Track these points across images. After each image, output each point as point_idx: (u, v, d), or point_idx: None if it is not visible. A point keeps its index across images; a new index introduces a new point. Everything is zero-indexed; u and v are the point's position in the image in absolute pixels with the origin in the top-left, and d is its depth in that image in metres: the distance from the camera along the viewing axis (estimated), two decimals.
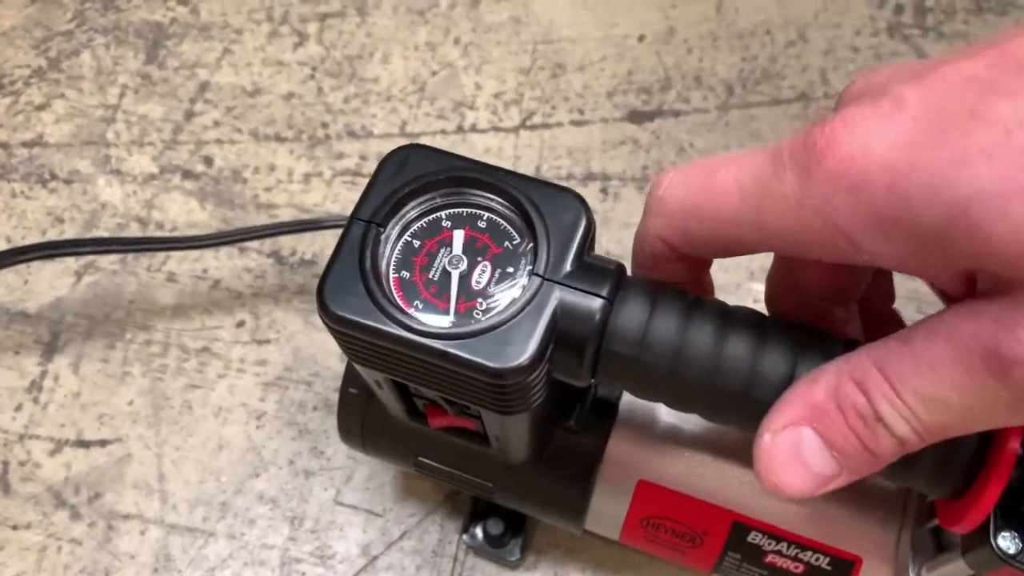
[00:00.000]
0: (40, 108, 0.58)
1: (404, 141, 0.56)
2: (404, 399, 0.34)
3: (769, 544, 0.36)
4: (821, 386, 0.25)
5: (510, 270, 0.29)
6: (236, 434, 0.48)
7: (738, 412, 0.28)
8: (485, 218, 0.30)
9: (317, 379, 0.49)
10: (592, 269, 0.29)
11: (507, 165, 0.55)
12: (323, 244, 0.53)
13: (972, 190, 0.20)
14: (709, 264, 0.30)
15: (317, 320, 0.51)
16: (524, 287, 0.29)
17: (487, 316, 0.29)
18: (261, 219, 0.53)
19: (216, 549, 0.46)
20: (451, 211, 0.31)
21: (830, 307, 0.30)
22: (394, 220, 0.30)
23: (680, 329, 0.28)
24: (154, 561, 0.46)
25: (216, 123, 0.56)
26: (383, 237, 0.30)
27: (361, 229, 0.29)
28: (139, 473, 0.48)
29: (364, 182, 0.55)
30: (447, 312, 0.29)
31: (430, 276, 0.30)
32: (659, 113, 0.56)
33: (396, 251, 0.30)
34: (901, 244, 0.22)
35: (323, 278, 0.29)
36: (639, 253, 0.29)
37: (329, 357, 0.50)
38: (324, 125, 0.56)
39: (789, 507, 0.35)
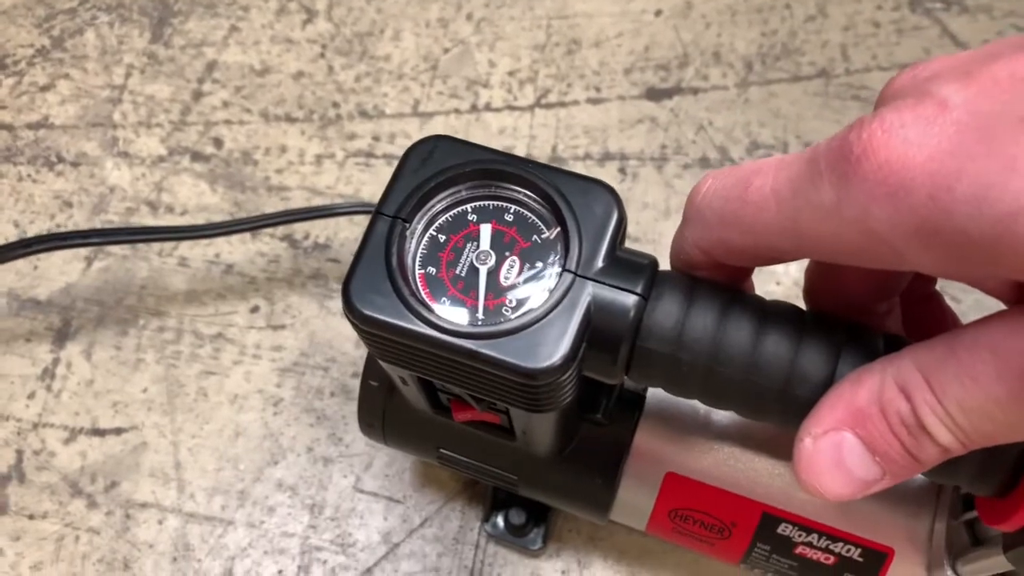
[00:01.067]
0: (45, 89, 0.56)
1: (416, 121, 0.55)
2: (428, 394, 0.34)
3: (799, 536, 0.35)
4: (864, 390, 0.25)
5: (539, 265, 0.29)
6: (253, 421, 0.48)
7: (776, 411, 0.28)
8: (512, 211, 0.30)
9: (334, 364, 0.49)
10: (625, 264, 0.28)
11: (522, 145, 0.54)
12: (337, 228, 0.52)
13: (1021, 203, 0.19)
14: (750, 271, 0.29)
15: (332, 304, 0.50)
16: (555, 283, 0.28)
17: (517, 313, 0.28)
18: (272, 202, 0.53)
19: (235, 538, 0.45)
20: (477, 204, 0.30)
21: (872, 302, 0.30)
22: (419, 215, 0.29)
23: (717, 326, 0.27)
24: (173, 550, 0.45)
25: (225, 103, 0.55)
26: (408, 232, 0.29)
27: (386, 225, 0.28)
28: (155, 461, 0.47)
29: (377, 163, 0.54)
30: (475, 309, 0.28)
31: (457, 272, 0.29)
32: (677, 90, 0.54)
33: (422, 246, 0.29)
34: (944, 255, 0.21)
35: (348, 276, 0.28)
36: (676, 261, 0.28)
37: (345, 342, 0.49)
38: (335, 105, 0.55)
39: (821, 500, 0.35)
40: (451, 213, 0.30)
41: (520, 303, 0.28)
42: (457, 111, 0.55)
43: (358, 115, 0.55)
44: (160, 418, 0.48)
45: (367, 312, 0.27)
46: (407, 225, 0.29)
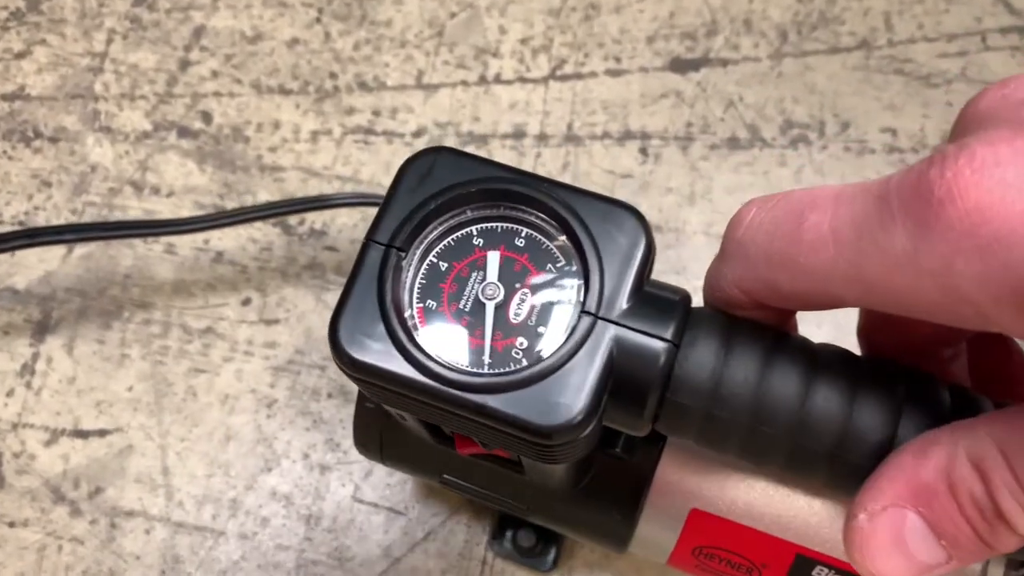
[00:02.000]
0: (20, 56, 0.52)
1: (420, 94, 0.51)
2: (430, 427, 0.30)
3: None
4: (931, 463, 0.21)
5: (554, 300, 0.25)
6: (245, 424, 0.45)
7: (823, 475, 0.24)
8: (524, 235, 0.26)
9: (331, 363, 0.45)
10: (653, 303, 0.24)
11: (535, 122, 0.50)
12: (334, 213, 0.48)
13: None
14: (795, 313, 0.26)
15: (330, 298, 0.46)
16: (573, 324, 0.24)
17: (529, 358, 0.24)
18: (265, 183, 0.49)
19: (227, 550, 0.43)
20: (483, 227, 0.26)
21: (937, 347, 0.26)
22: (417, 241, 0.25)
23: (759, 378, 0.24)
24: (161, 562, 0.43)
25: (214, 73, 0.51)
26: (404, 263, 0.25)
27: (379, 255, 0.25)
28: (142, 466, 0.44)
29: (377, 141, 0.50)
30: (481, 351, 0.25)
31: (460, 306, 0.25)
32: (705, 62, 0.50)
33: (420, 275, 0.25)
34: None
35: (336, 315, 0.24)
36: (712, 298, 0.25)
37: None
38: (332, 76, 0.51)
39: None
40: (453, 237, 0.26)
41: (531, 345, 0.25)
42: (464, 83, 0.51)
43: (357, 87, 0.51)
44: (147, 419, 0.45)
45: (357, 357, 0.24)
46: (403, 255, 0.25)
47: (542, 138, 0.49)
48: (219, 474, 0.44)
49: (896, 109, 0.49)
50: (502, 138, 0.49)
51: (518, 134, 0.49)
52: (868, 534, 0.22)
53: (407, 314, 0.25)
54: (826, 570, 0.32)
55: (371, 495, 0.43)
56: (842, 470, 0.24)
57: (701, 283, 0.46)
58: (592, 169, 0.48)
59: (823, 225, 0.21)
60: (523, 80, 0.50)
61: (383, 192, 0.48)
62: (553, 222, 0.25)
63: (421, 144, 0.49)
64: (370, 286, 0.24)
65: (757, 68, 0.50)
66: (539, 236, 0.26)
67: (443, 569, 0.42)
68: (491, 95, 0.50)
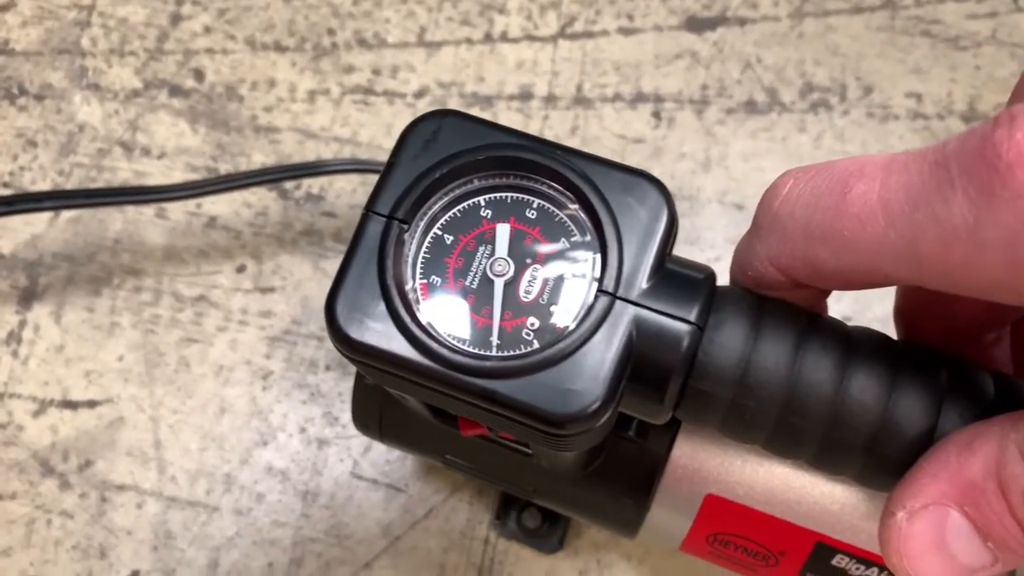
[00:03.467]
0: (3, 9, 0.50)
1: (422, 52, 0.48)
2: (433, 408, 0.29)
3: (857, 569, 0.31)
4: (978, 459, 0.20)
5: (568, 276, 0.23)
6: (239, 396, 0.43)
7: (856, 468, 0.23)
8: (535, 206, 0.24)
9: None
10: (676, 281, 0.22)
11: (543, 83, 0.47)
12: (331, 177, 0.46)
13: None
14: (829, 293, 0.24)
15: (328, 266, 0.45)
16: (589, 304, 0.22)
17: (540, 339, 0.23)
18: (260, 145, 0.47)
19: (221, 526, 0.41)
20: (492, 197, 0.24)
21: (981, 331, 0.24)
22: (420, 213, 0.23)
23: (791, 364, 0.22)
24: (153, 538, 0.41)
25: (207, 29, 0.49)
26: (407, 236, 0.23)
27: (379, 227, 0.23)
28: (133, 439, 0.43)
29: (377, 102, 0.48)
30: (489, 331, 0.23)
31: (467, 283, 0.23)
32: (722, 21, 0.47)
33: (423, 249, 0.24)
34: None
35: (333, 292, 0.23)
36: (742, 276, 0.23)
37: None
38: (330, 32, 0.49)
39: None
40: (459, 208, 0.24)
41: (543, 326, 0.23)
42: (469, 41, 0.48)
43: (356, 44, 0.48)
44: (138, 390, 0.43)
45: (356, 337, 0.22)
46: (405, 227, 0.23)
47: (550, 100, 0.47)
48: (213, 448, 0.42)
49: (922, 73, 0.46)
50: (508, 99, 0.47)
51: (525, 95, 0.47)
52: (907, 534, 0.20)
53: (409, 291, 0.23)
54: (847, 559, 0.30)
55: (370, 471, 0.42)
56: (877, 464, 0.22)
57: (715, 254, 0.44)
58: (602, 133, 0.46)
59: (871, 195, 0.19)
60: (531, 38, 0.48)
61: (382, 158, 0.46)
62: (568, 193, 0.23)
63: (423, 105, 0.47)
64: (370, 261, 0.23)
65: (776, 28, 0.47)
66: (552, 208, 0.24)
67: (444, 548, 0.41)
68: (497, 54, 0.48)
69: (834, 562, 0.31)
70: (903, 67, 0.46)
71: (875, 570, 0.30)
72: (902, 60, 0.47)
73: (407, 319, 0.22)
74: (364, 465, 0.42)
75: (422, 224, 0.24)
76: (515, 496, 0.39)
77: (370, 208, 0.23)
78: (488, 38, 0.48)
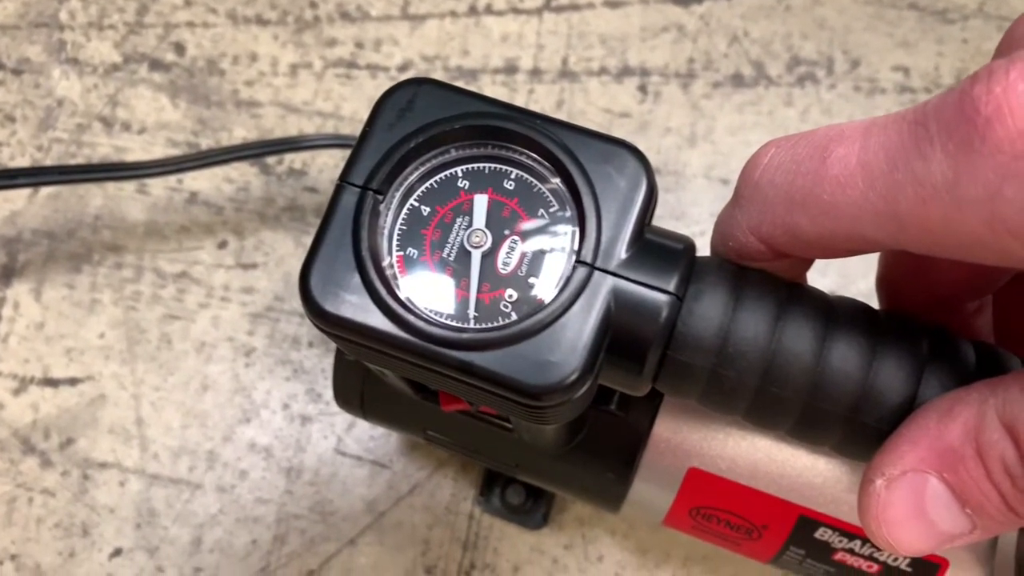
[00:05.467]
0: None
1: (406, 25, 0.48)
2: (413, 383, 0.28)
3: (840, 541, 0.31)
4: (957, 425, 0.19)
5: (547, 249, 0.23)
6: (222, 373, 0.43)
7: (836, 438, 0.22)
8: (513, 176, 0.24)
9: None
10: (655, 252, 0.22)
11: (528, 56, 0.47)
12: (314, 152, 0.45)
13: None
14: (811, 264, 0.24)
15: (310, 241, 0.44)
16: (566, 275, 0.22)
17: (519, 311, 0.22)
18: (242, 119, 0.46)
19: (204, 503, 0.41)
20: (469, 168, 0.24)
21: (963, 298, 0.24)
22: (396, 184, 0.23)
23: (771, 334, 0.22)
24: (136, 516, 0.41)
25: (187, 2, 0.48)
26: (382, 208, 0.23)
27: (354, 198, 0.22)
28: (115, 416, 0.42)
29: (360, 75, 0.47)
30: (466, 303, 0.23)
31: (444, 255, 0.23)
32: None
33: (400, 221, 0.23)
34: None
35: (307, 265, 0.22)
36: (723, 247, 0.22)
37: None
38: (312, 5, 0.48)
39: None
40: (436, 178, 0.24)
41: (521, 298, 0.23)
42: (453, 14, 0.48)
43: (339, 17, 0.48)
44: (119, 367, 0.43)
45: (331, 310, 0.22)
46: (380, 198, 0.23)
47: (535, 74, 0.46)
48: (195, 425, 0.42)
49: (909, 46, 0.46)
50: (493, 73, 0.46)
51: (510, 69, 0.46)
52: (886, 501, 0.20)
53: (385, 264, 0.23)
54: (830, 531, 0.30)
55: (354, 448, 0.41)
56: (857, 433, 0.22)
57: (700, 229, 0.44)
58: (588, 107, 0.46)
59: (850, 158, 0.18)
60: (516, 11, 0.47)
61: None
62: (546, 163, 0.23)
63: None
64: (344, 233, 0.22)
65: (763, 1, 0.47)
66: (530, 178, 0.23)
67: (429, 524, 0.41)
68: (481, 27, 0.47)
69: (817, 535, 0.31)
70: (890, 40, 0.46)
71: (858, 542, 0.30)
72: (889, 33, 0.46)
73: (383, 291, 0.22)
74: (348, 442, 0.42)
75: (398, 195, 0.23)
76: (499, 472, 0.39)
77: (344, 179, 0.23)
78: (473, 11, 0.47)
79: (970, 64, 0.46)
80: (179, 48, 0.47)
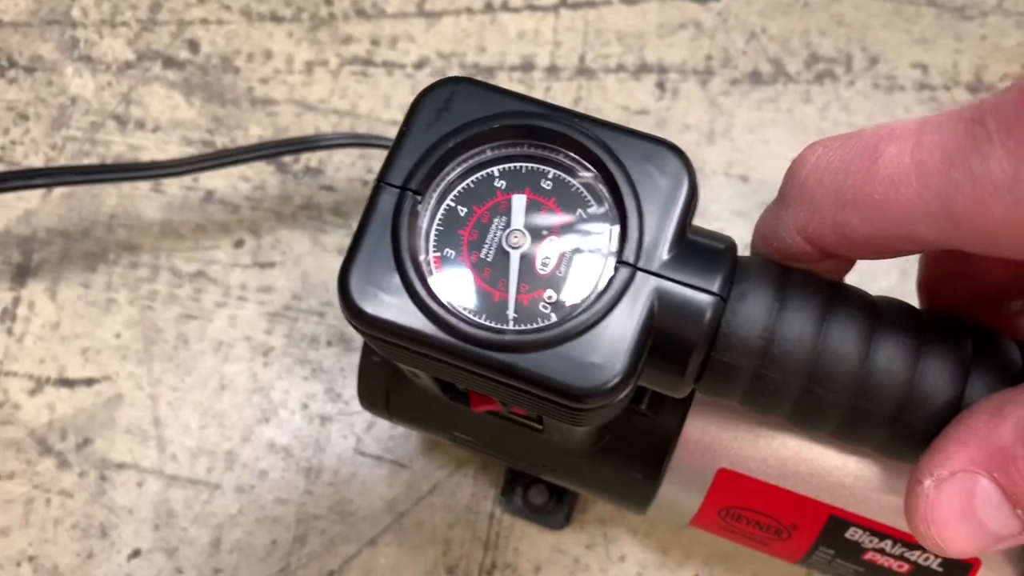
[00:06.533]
0: None
1: (422, 22, 0.48)
2: (443, 384, 0.28)
3: (871, 541, 0.30)
4: (1008, 425, 0.19)
5: (585, 248, 0.23)
6: (240, 373, 0.42)
7: (880, 439, 0.22)
8: (551, 176, 0.23)
9: (330, 309, 0.43)
10: (697, 252, 0.22)
11: (545, 53, 0.47)
12: (329, 151, 0.45)
13: None
14: (853, 264, 0.23)
15: (327, 240, 0.44)
16: (608, 276, 0.22)
17: (558, 312, 0.22)
18: (257, 117, 0.46)
19: (223, 504, 0.41)
20: (506, 167, 0.23)
21: (1007, 297, 0.24)
22: (434, 184, 0.23)
23: (816, 334, 0.21)
24: (154, 516, 0.41)
25: None
26: (420, 207, 0.23)
27: (393, 198, 0.22)
28: (132, 417, 0.42)
29: (376, 73, 0.47)
30: (505, 305, 0.22)
31: (482, 256, 0.23)
32: None
33: (436, 221, 0.23)
34: None
35: (346, 265, 0.22)
36: (766, 248, 0.22)
37: None
38: (327, 2, 0.48)
39: (898, 502, 0.30)
40: (473, 178, 0.23)
41: (561, 299, 0.22)
42: (469, 10, 0.47)
43: (354, 14, 0.47)
44: (136, 367, 0.43)
45: (371, 312, 0.22)
46: (419, 198, 0.22)
47: (552, 71, 0.46)
48: (213, 425, 0.42)
49: (927, 43, 0.46)
50: (510, 70, 0.46)
51: (526, 66, 0.46)
52: (934, 502, 0.20)
53: (423, 264, 0.22)
54: (860, 531, 0.30)
55: (374, 447, 0.41)
56: (902, 434, 0.22)
57: (720, 226, 0.44)
58: (605, 104, 0.45)
59: (903, 157, 0.18)
60: (532, 8, 0.47)
61: (381, 131, 0.45)
62: (586, 162, 0.23)
63: (423, 76, 0.46)
64: (383, 233, 0.22)
65: None
66: (568, 177, 0.23)
67: (449, 523, 0.40)
68: (498, 24, 0.47)
69: (847, 535, 0.30)
70: (908, 37, 0.46)
71: (888, 542, 0.30)
72: (908, 30, 0.46)
73: (423, 292, 0.22)
74: (367, 441, 0.41)
75: (435, 195, 0.23)
76: (520, 472, 0.38)
77: (382, 179, 0.22)
78: (489, 8, 0.47)
79: (988, 61, 0.45)
80: (193, 45, 0.47)
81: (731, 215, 0.44)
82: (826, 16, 0.46)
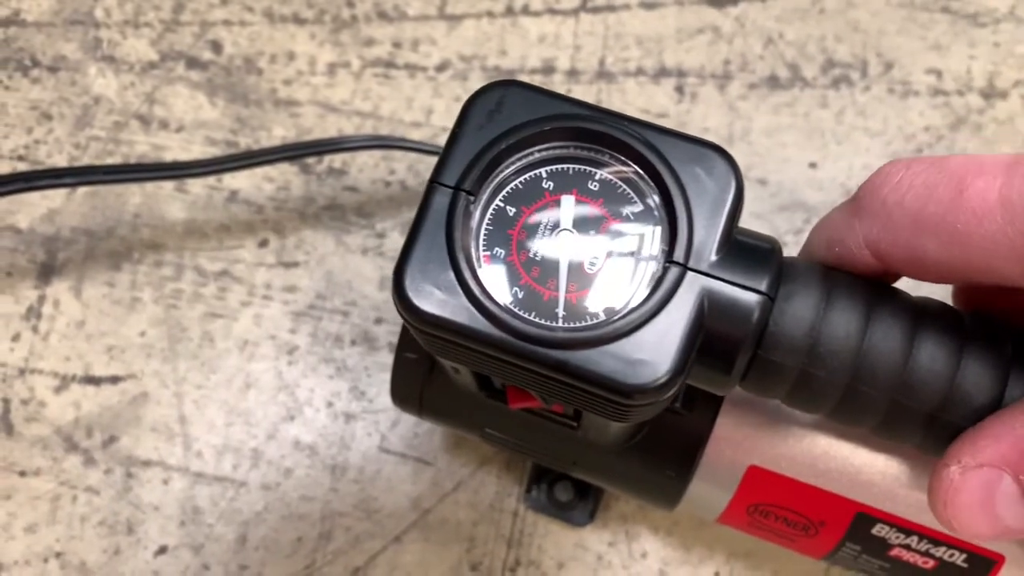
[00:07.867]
0: None
1: (443, 25, 0.48)
2: (481, 379, 0.29)
3: (897, 538, 0.31)
4: None
5: (632, 248, 0.23)
6: (265, 371, 0.43)
7: (919, 435, 0.23)
8: (598, 177, 0.24)
9: (354, 308, 0.44)
10: (745, 252, 0.23)
11: (565, 57, 0.47)
12: (353, 152, 0.45)
13: None
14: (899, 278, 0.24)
15: (351, 240, 0.44)
16: (654, 276, 0.22)
17: (607, 311, 0.23)
18: (280, 118, 0.46)
19: (249, 501, 0.41)
20: (553, 168, 0.24)
21: None
22: (486, 185, 0.23)
23: (861, 334, 0.22)
24: (180, 513, 0.41)
25: (223, 0, 0.48)
26: (473, 208, 0.23)
27: (447, 198, 0.23)
28: (157, 414, 0.42)
29: (398, 75, 0.47)
30: (555, 303, 0.23)
31: (531, 255, 0.23)
32: None
33: (486, 221, 0.24)
34: None
35: (401, 262, 0.22)
36: (825, 250, 0.23)
37: (366, 284, 0.44)
38: (349, 3, 0.48)
39: (925, 499, 0.30)
40: (521, 179, 0.24)
41: (608, 297, 0.23)
42: (490, 14, 0.48)
43: (376, 16, 0.48)
44: (161, 365, 0.43)
45: (426, 309, 0.22)
46: (472, 198, 0.23)
47: (572, 74, 0.47)
48: (239, 423, 0.42)
49: (941, 49, 0.47)
50: (530, 73, 0.47)
51: (547, 70, 0.47)
52: (958, 486, 0.21)
53: (477, 265, 0.23)
54: (887, 528, 0.31)
55: (398, 445, 0.42)
56: (941, 432, 0.22)
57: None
58: (625, 108, 0.46)
59: (991, 192, 0.19)
60: (552, 12, 0.48)
61: (402, 134, 0.46)
62: (634, 164, 0.23)
63: (444, 79, 0.47)
64: (437, 232, 0.23)
65: (798, 3, 0.47)
66: (615, 179, 0.24)
67: (474, 521, 0.41)
68: (518, 27, 0.48)
69: (874, 531, 0.31)
70: (923, 43, 0.47)
71: (914, 538, 0.31)
72: (922, 36, 0.47)
73: (477, 290, 0.22)
74: (392, 439, 0.42)
75: (485, 196, 0.24)
76: (546, 469, 0.39)
77: (436, 179, 0.23)
78: (510, 11, 0.48)
79: (1001, 67, 0.46)
80: (216, 46, 0.48)
81: (750, 217, 0.44)
82: (842, 22, 0.47)
